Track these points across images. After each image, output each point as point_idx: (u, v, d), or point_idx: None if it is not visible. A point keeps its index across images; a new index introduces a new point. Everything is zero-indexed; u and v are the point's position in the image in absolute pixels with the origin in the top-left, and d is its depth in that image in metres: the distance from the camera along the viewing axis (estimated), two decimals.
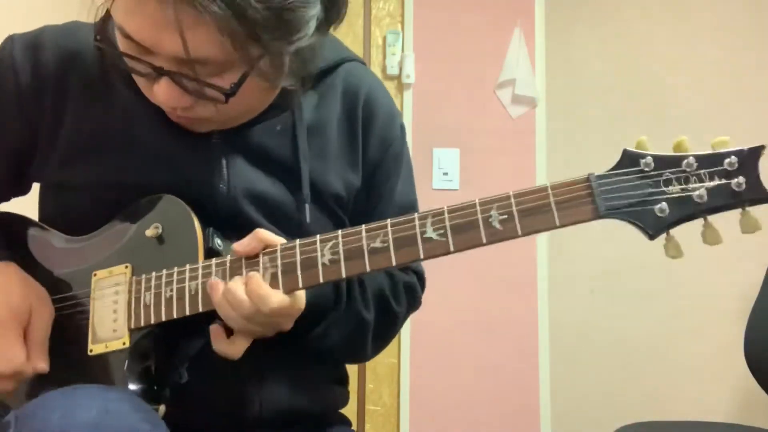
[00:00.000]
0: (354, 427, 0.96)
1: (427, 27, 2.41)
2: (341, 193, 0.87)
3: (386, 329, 0.91)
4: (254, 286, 0.71)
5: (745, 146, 0.64)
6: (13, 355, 0.76)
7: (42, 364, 0.78)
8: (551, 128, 2.39)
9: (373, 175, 0.91)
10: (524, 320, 2.30)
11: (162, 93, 0.70)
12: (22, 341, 0.77)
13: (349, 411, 0.97)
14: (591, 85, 2.39)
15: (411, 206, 0.94)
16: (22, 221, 0.88)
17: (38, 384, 0.79)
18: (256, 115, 0.82)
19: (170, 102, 0.71)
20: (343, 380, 0.96)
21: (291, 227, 0.82)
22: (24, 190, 0.91)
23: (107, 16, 0.70)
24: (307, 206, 0.83)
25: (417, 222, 0.70)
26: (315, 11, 0.69)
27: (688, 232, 0.67)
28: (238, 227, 0.80)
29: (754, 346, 1.69)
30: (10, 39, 0.84)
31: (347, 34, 2.42)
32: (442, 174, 2.34)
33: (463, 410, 2.26)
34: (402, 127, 0.96)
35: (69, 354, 0.79)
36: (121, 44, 0.70)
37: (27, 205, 0.90)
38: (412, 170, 0.98)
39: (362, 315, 0.86)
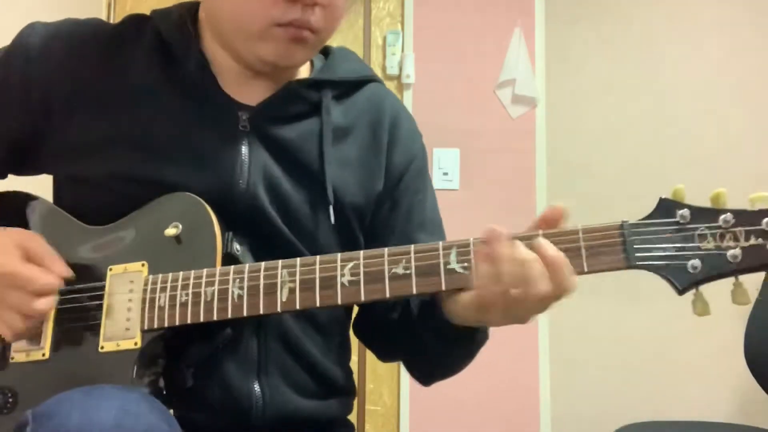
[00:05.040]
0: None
1: (427, 27, 2.41)
2: (361, 203, 0.86)
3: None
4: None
5: None
6: (30, 272, 0.75)
7: (62, 268, 0.77)
8: (551, 128, 2.39)
9: (396, 186, 0.90)
10: None
11: None
12: (26, 262, 0.76)
13: None
14: (591, 85, 2.39)
15: (440, 225, 0.94)
16: (40, 203, 0.86)
17: (48, 376, 0.77)
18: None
19: None
20: (351, 391, 0.94)
21: (304, 233, 0.82)
22: (6, 173, 0.89)
23: None
24: (331, 208, 0.82)
25: (441, 251, 0.69)
26: None
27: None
28: (253, 223, 0.80)
29: (754, 346, 1.70)
30: (31, 26, 0.84)
31: (347, 34, 2.41)
32: (442, 174, 2.33)
33: (463, 410, 2.26)
34: (424, 148, 0.96)
35: (79, 348, 0.78)
36: None
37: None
38: (435, 192, 0.97)
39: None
